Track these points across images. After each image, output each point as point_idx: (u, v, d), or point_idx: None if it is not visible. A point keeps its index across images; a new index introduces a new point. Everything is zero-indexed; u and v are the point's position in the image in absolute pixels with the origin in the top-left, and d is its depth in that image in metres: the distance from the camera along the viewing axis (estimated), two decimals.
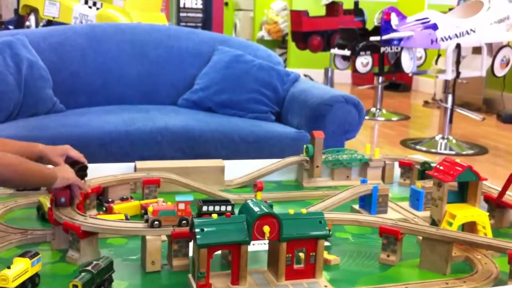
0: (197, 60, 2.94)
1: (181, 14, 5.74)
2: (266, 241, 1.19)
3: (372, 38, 4.78)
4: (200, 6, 5.79)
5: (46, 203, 1.44)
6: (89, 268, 1.09)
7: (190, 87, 2.86)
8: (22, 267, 1.10)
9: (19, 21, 5.14)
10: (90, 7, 4.08)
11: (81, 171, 1.45)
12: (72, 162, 1.44)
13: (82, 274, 1.07)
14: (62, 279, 1.16)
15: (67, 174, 1.32)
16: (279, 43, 7.87)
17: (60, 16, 4.10)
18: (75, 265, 1.23)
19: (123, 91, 2.80)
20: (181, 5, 5.75)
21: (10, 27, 5.26)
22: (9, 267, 1.08)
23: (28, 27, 4.38)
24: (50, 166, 1.37)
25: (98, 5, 4.08)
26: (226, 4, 7.81)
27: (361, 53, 4.84)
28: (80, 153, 1.50)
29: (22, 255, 1.13)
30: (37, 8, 4.28)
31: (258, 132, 2.51)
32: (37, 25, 4.33)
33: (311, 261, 1.18)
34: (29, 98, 2.44)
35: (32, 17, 4.35)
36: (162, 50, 2.91)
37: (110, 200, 1.54)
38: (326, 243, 1.30)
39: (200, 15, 5.81)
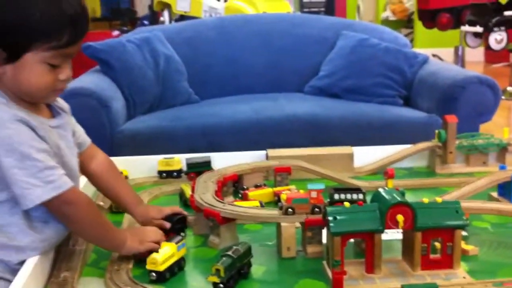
0: (322, 46, 2.95)
1: (304, 0, 5.75)
2: (400, 230, 1.18)
3: (506, 13, 4.48)
4: None
5: (188, 190, 1.54)
6: (229, 253, 1.14)
7: (316, 74, 2.89)
8: (169, 251, 1.18)
9: (153, 17, 5.48)
10: (218, 0, 4.24)
11: (179, 224, 1.36)
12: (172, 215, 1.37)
13: (224, 258, 1.12)
14: (205, 262, 1.24)
15: (134, 243, 1.20)
16: (404, 22, 7.60)
17: (191, 10, 4.31)
18: (216, 249, 1.30)
19: (251, 80, 2.90)
20: None
21: (145, 22, 5.61)
22: (157, 251, 1.17)
23: (162, 22, 4.66)
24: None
25: None
26: None
27: (495, 29, 4.56)
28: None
29: (169, 240, 1.22)
30: (170, 3, 4.54)
31: (386, 117, 2.47)
32: (170, 20, 4.59)
33: (448, 251, 1.15)
34: (167, 91, 2.61)
35: (165, 13, 4.61)
36: (287, 38, 2.96)
37: (245, 187, 1.61)
38: (464, 233, 1.26)
39: None
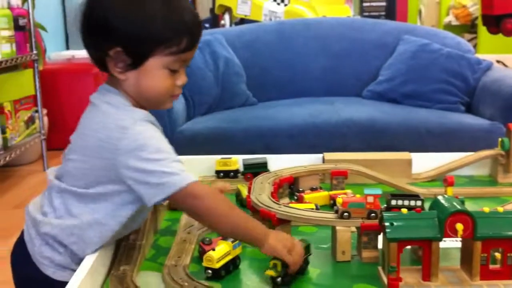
0: (382, 51, 2.93)
1: (364, 4, 5.70)
2: (458, 238, 1.16)
3: None
4: None
5: (244, 190, 1.56)
6: None
7: (374, 79, 2.86)
8: (225, 249, 1.20)
9: (214, 20, 5.56)
10: (278, 4, 4.27)
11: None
12: None
13: None
14: (260, 262, 1.25)
15: (275, 243, 1.13)
16: (468, 28, 7.40)
17: (252, 14, 4.36)
18: None
19: (309, 84, 2.90)
20: None
21: (206, 25, 5.70)
22: (214, 249, 1.19)
23: (223, 25, 4.73)
24: None
25: (286, 1, 4.26)
26: None
27: None
28: None
29: (224, 238, 1.24)
30: (231, 7, 4.61)
31: (447, 124, 2.42)
32: (230, 24, 4.66)
33: (508, 262, 1.12)
34: (226, 93, 2.66)
35: (226, 16, 4.69)
36: (346, 42, 2.95)
37: (301, 189, 1.62)
38: None
39: (383, 3, 5.71)
